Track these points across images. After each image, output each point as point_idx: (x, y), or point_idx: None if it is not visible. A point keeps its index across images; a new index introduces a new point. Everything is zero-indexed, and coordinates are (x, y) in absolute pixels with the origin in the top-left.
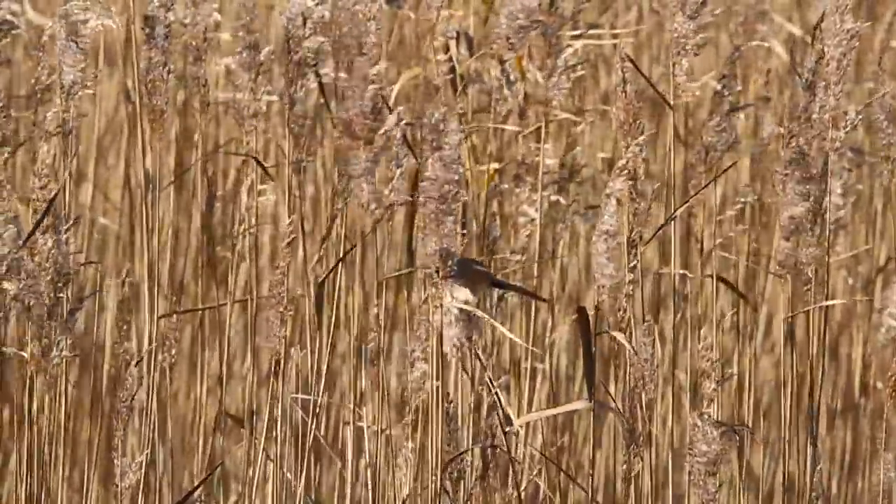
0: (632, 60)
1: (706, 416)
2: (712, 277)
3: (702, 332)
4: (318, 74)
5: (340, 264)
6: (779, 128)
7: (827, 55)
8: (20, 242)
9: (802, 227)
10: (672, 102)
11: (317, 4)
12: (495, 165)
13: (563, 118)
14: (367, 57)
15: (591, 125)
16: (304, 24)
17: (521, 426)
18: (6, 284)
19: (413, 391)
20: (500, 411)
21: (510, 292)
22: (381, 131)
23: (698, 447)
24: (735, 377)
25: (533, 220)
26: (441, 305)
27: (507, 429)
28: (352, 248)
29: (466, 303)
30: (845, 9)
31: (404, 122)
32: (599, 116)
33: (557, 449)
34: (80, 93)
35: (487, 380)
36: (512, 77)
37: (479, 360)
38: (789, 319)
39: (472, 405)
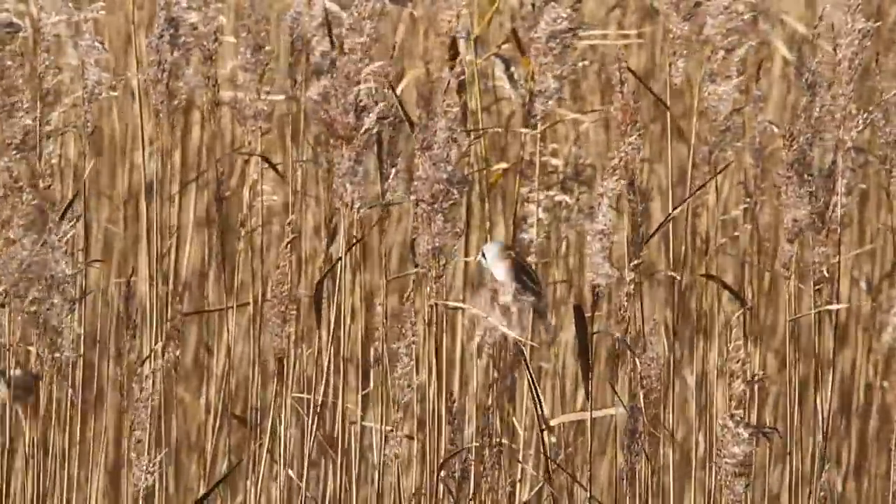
0: (627, 66)
1: (737, 418)
2: (715, 278)
3: (732, 333)
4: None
5: (340, 264)
6: (772, 126)
7: (838, 55)
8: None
9: (809, 229)
10: (668, 103)
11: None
12: (502, 166)
13: (569, 118)
14: (352, 57)
15: (596, 125)
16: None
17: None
18: (32, 291)
19: (399, 389)
20: (539, 410)
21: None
22: (362, 130)
23: (728, 449)
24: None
25: (540, 219)
26: (434, 305)
27: (543, 428)
28: (350, 248)
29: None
30: (856, 8)
31: (384, 119)
32: (603, 117)
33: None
34: (103, 93)
35: (528, 379)
36: (517, 76)
37: (524, 359)
38: (797, 320)
39: (484, 402)
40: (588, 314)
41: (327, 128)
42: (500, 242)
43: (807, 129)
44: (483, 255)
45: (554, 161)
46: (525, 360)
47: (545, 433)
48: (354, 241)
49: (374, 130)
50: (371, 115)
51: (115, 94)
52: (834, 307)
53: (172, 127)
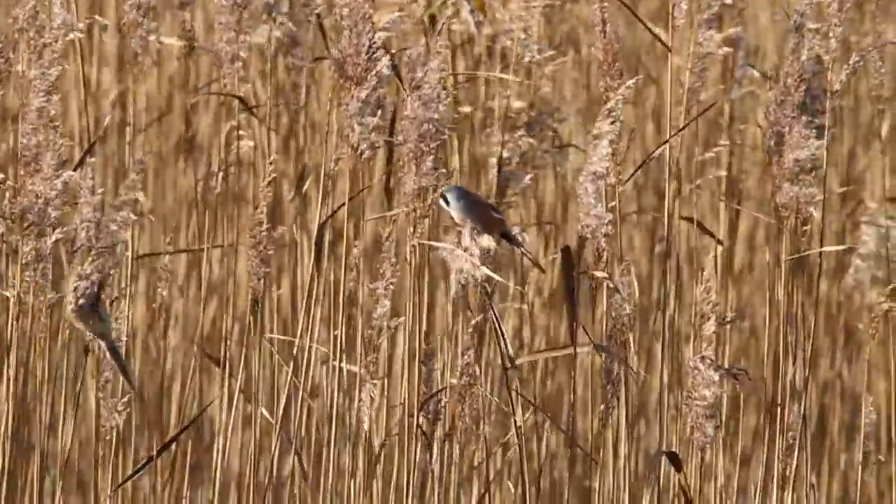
0: (627, 5)
1: (707, 360)
2: (690, 220)
3: (704, 273)
4: (318, 16)
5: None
6: (752, 69)
7: None
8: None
9: (806, 170)
10: (670, 45)
11: None
12: (466, 109)
13: (531, 60)
14: None
15: (565, 69)
16: None
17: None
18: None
19: (376, 330)
20: (504, 350)
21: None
22: (374, 71)
23: (699, 391)
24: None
25: (506, 159)
26: (418, 245)
27: (508, 367)
28: (359, 192)
29: (486, 250)
30: None
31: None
32: (563, 57)
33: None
34: (70, 35)
35: (493, 318)
36: (479, 17)
37: (488, 297)
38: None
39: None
40: (575, 255)
41: (338, 68)
42: (457, 187)
43: (794, 72)
44: (443, 197)
45: (517, 104)
46: (489, 299)
47: (510, 371)
48: (364, 186)
49: (387, 73)
50: (385, 57)
51: (81, 35)
52: (831, 248)
53: (139, 70)
